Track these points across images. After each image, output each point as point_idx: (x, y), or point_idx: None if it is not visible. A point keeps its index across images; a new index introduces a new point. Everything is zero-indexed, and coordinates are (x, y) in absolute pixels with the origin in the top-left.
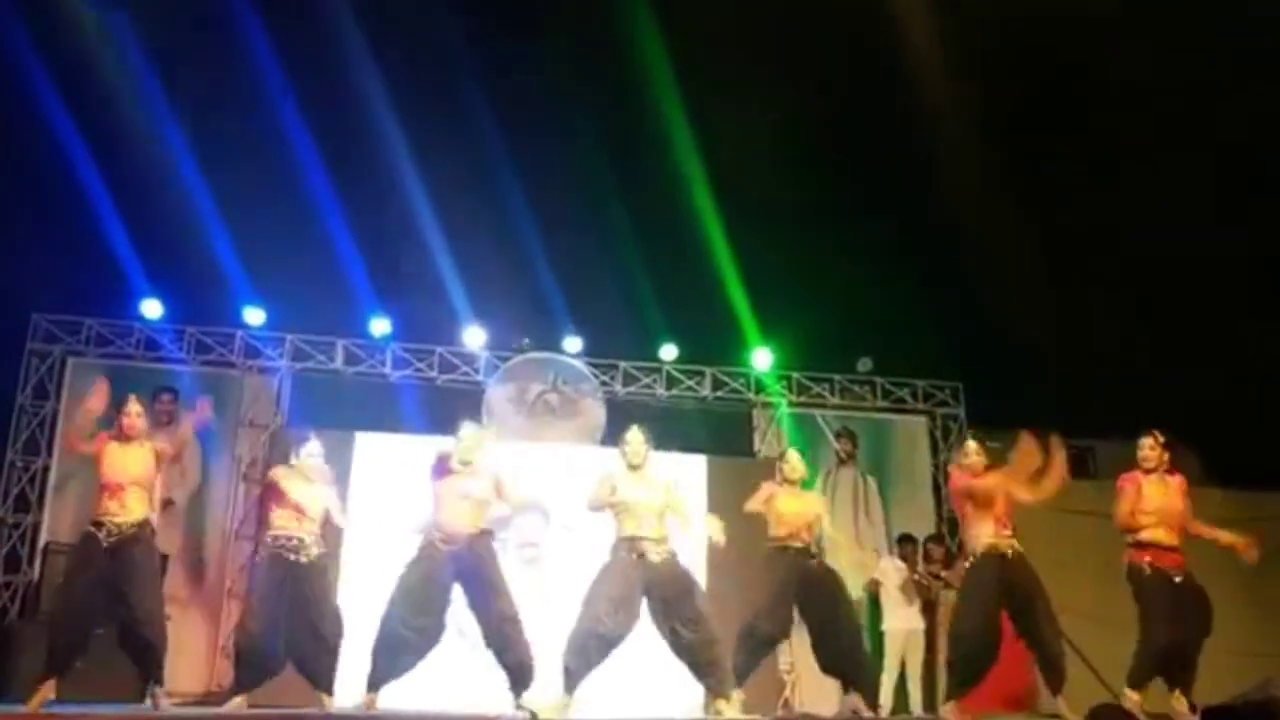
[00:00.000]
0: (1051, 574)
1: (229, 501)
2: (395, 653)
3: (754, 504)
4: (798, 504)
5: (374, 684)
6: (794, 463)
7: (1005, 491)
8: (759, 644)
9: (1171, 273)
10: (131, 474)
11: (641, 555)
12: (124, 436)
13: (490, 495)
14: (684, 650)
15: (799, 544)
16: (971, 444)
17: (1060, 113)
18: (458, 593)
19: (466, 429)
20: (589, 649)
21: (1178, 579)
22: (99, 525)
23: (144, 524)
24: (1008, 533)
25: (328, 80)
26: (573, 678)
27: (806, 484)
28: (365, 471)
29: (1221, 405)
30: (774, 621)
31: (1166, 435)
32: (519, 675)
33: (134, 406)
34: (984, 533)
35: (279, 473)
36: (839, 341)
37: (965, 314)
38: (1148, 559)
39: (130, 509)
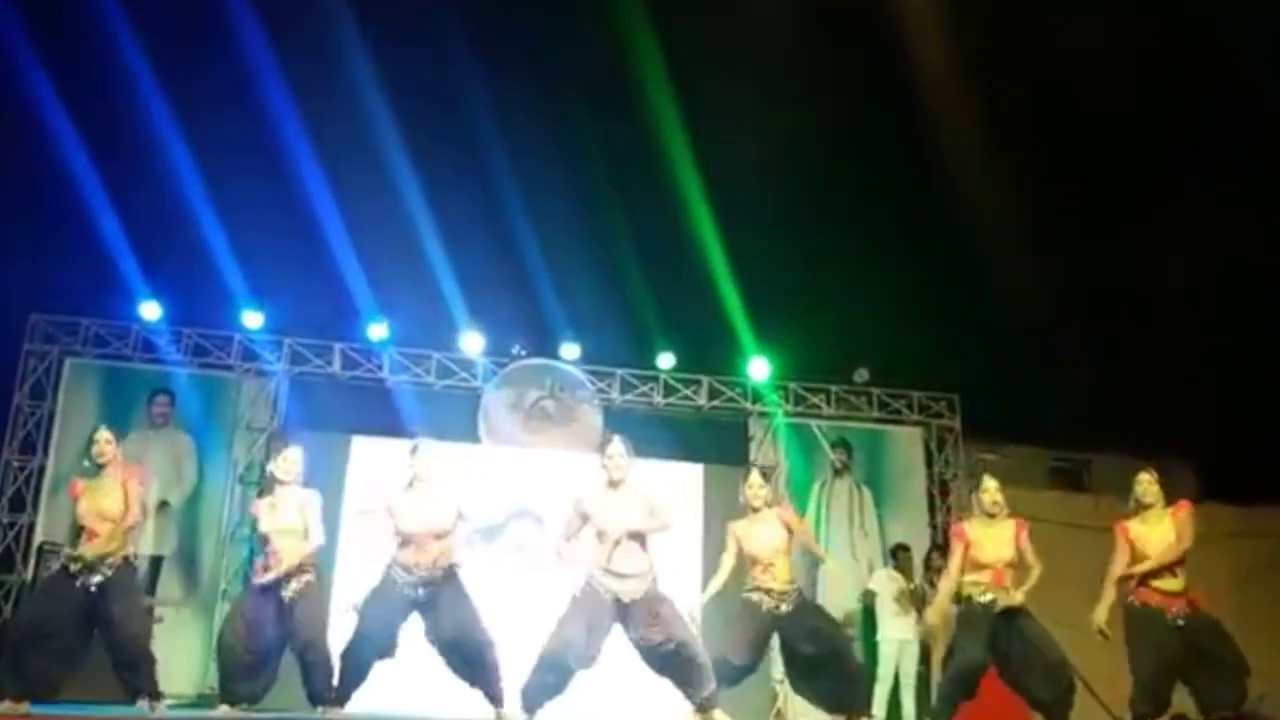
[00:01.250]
0: (1046, 589)
1: (224, 504)
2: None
3: (726, 567)
4: (764, 534)
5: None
6: (755, 486)
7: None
8: (730, 675)
9: (1168, 288)
10: (105, 513)
11: (616, 596)
12: (96, 468)
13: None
14: (666, 662)
15: (770, 586)
16: (990, 483)
17: (1062, 123)
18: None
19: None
20: (548, 678)
21: (1180, 623)
22: (75, 560)
23: (119, 561)
24: (1004, 584)
25: (326, 85)
26: (530, 703)
27: (801, 493)
28: (361, 476)
29: (1216, 420)
30: (744, 660)
31: (1161, 458)
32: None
33: (103, 435)
34: (981, 579)
35: (259, 507)
36: (836, 352)
37: (962, 325)
38: (1144, 599)
39: (108, 549)
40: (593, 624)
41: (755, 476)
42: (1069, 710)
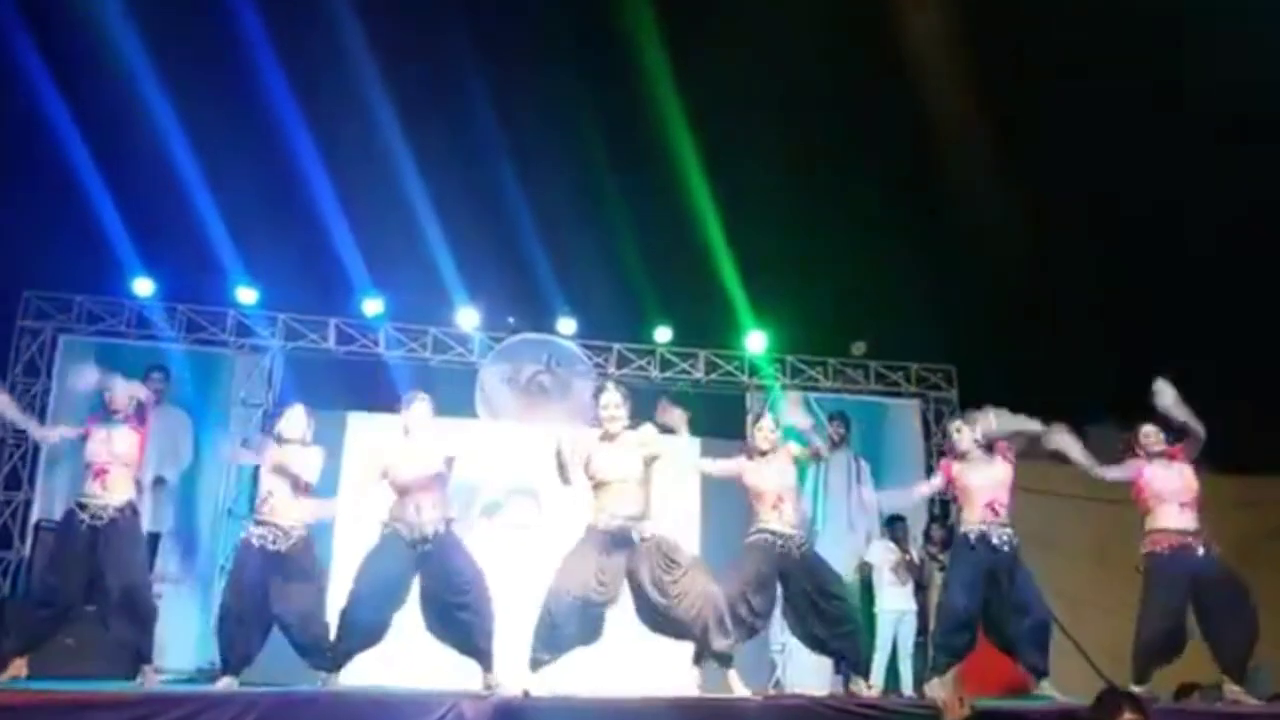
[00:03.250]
0: (1040, 557)
1: (221, 479)
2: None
3: (714, 468)
4: (773, 472)
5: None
6: (766, 430)
7: (996, 481)
8: (740, 628)
9: (1164, 258)
10: (116, 453)
11: (618, 536)
12: (110, 416)
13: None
14: (670, 623)
15: (779, 528)
16: (956, 423)
17: (1057, 95)
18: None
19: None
20: (556, 629)
21: (1199, 555)
22: (82, 507)
23: (126, 506)
24: (998, 519)
25: (319, 59)
26: (539, 659)
27: (799, 466)
28: (358, 451)
29: (1215, 389)
30: (755, 607)
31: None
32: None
33: (120, 385)
34: (972, 518)
35: (265, 458)
36: (833, 324)
37: (959, 297)
38: (1160, 544)
39: (113, 490)
40: (603, 560)
41: (766, 420)
42: (1046, 660)
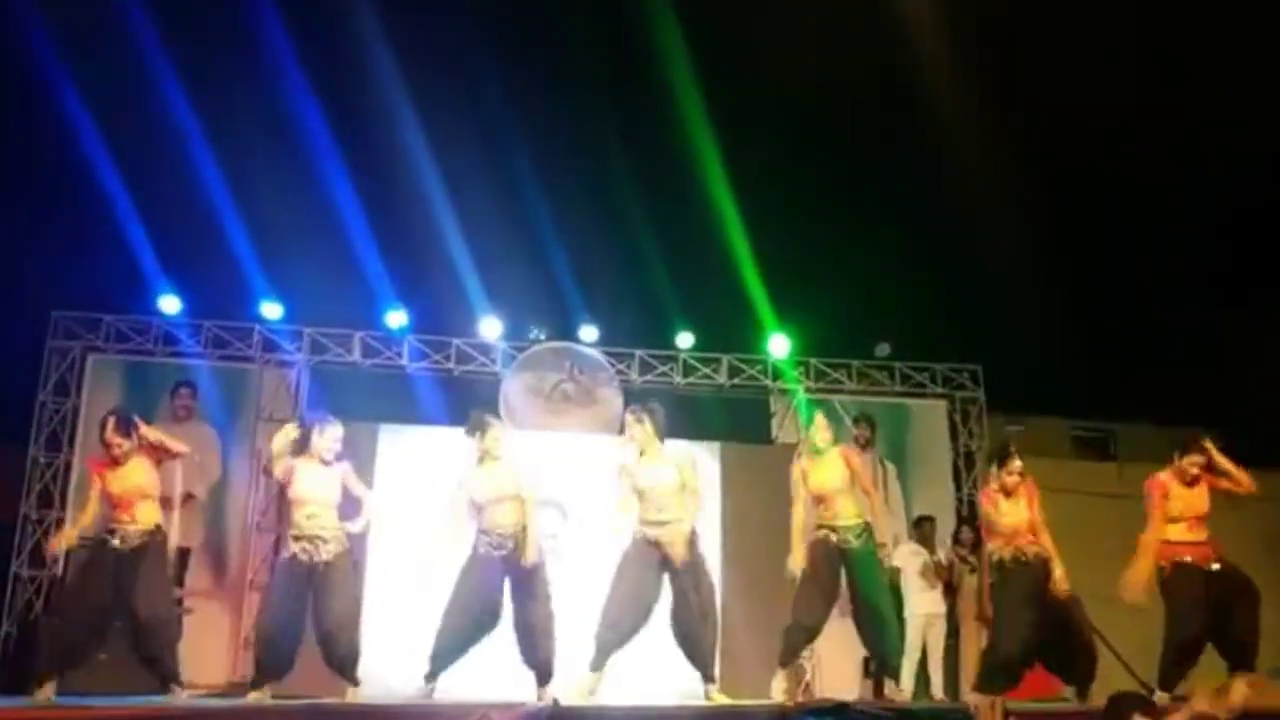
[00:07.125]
0: (1072, 557)
1: (249, 494)
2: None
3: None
4: (817, 473)
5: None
6: (819, 428)
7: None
8: (801, 636)
9: (1186, 259)
10: (136, 486)
11: (656, 541)
12: (114, 461)
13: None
14: (687, 625)
15: (836, 522)
16: (1017, 463)
17: (1075, 95)
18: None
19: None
20: (620, 625)
21: (1215, 568)
22: (111, 533)
23: (154, 531)
24: (1030, 539)
25: (345, 75)
26: (601, 653)
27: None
28: (387, 464)
29: (1236, 386)
30: (816, 618)
31: (1188, 426)
32: (541, 674)
33: (111, 430)
34: (1002, 544)
35: (292, 467)
36: (857, 326)
37: (984, 297)
38: (1176, 556)
39: (141, 519)
40: (644, 570)
41: (820, 418)
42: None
